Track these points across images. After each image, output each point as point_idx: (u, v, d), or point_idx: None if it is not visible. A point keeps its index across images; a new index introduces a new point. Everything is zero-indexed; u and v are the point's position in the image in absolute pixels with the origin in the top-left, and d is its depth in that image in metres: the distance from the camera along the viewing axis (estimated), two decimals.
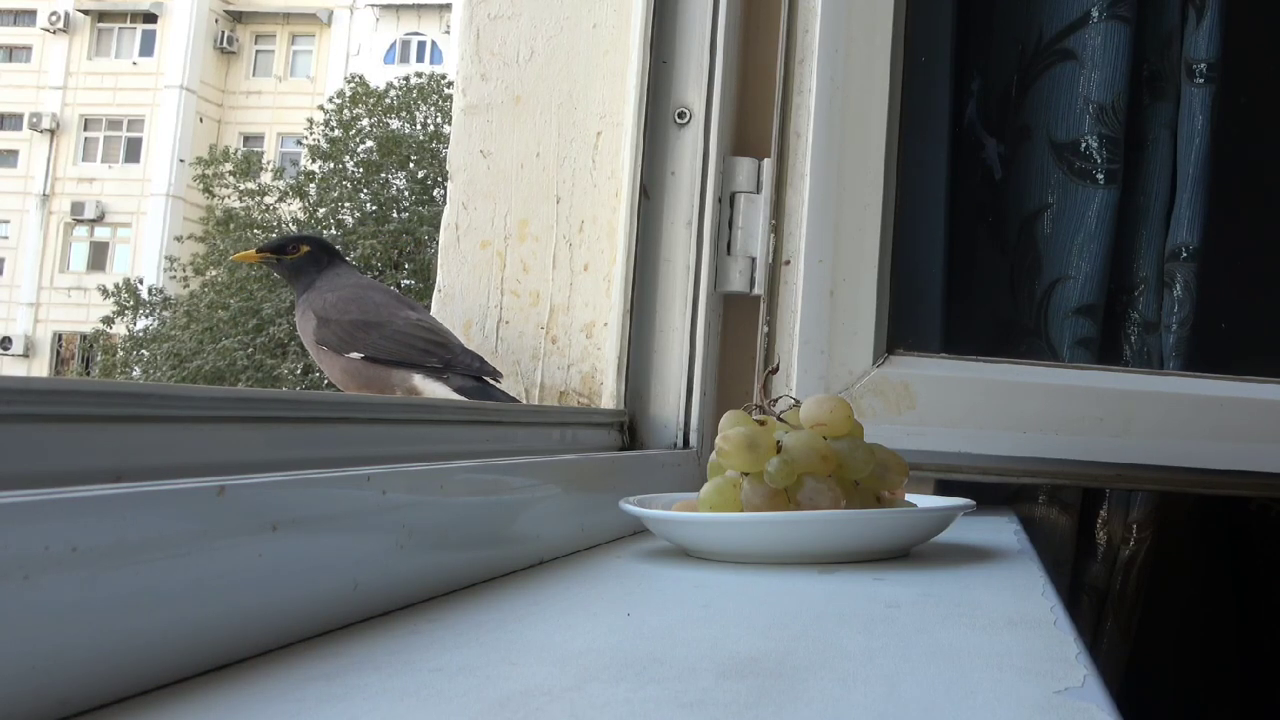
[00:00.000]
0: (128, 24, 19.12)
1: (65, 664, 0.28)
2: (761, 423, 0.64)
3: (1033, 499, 1.03)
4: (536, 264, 0.96)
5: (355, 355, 0.89)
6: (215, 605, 0.34)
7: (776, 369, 0.90)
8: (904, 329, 0.95)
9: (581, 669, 0.36)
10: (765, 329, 0.92)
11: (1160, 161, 1.06)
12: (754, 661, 0.37)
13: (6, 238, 18.60)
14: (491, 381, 0.88)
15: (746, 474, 0.62)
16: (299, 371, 12.30)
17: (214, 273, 13.67)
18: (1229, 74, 1.04)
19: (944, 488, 0.91)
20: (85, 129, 18.87)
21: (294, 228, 13.37)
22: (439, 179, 12.85)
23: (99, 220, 18.37)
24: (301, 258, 0.97)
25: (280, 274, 0.99)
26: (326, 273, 0.96)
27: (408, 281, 12.45)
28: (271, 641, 0.36)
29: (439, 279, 0.98)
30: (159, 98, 18.56)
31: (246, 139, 18.89)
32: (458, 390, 0.86)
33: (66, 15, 18.79)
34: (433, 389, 0.87)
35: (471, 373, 0.87)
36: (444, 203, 1.00)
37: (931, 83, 1.04)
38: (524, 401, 0.94)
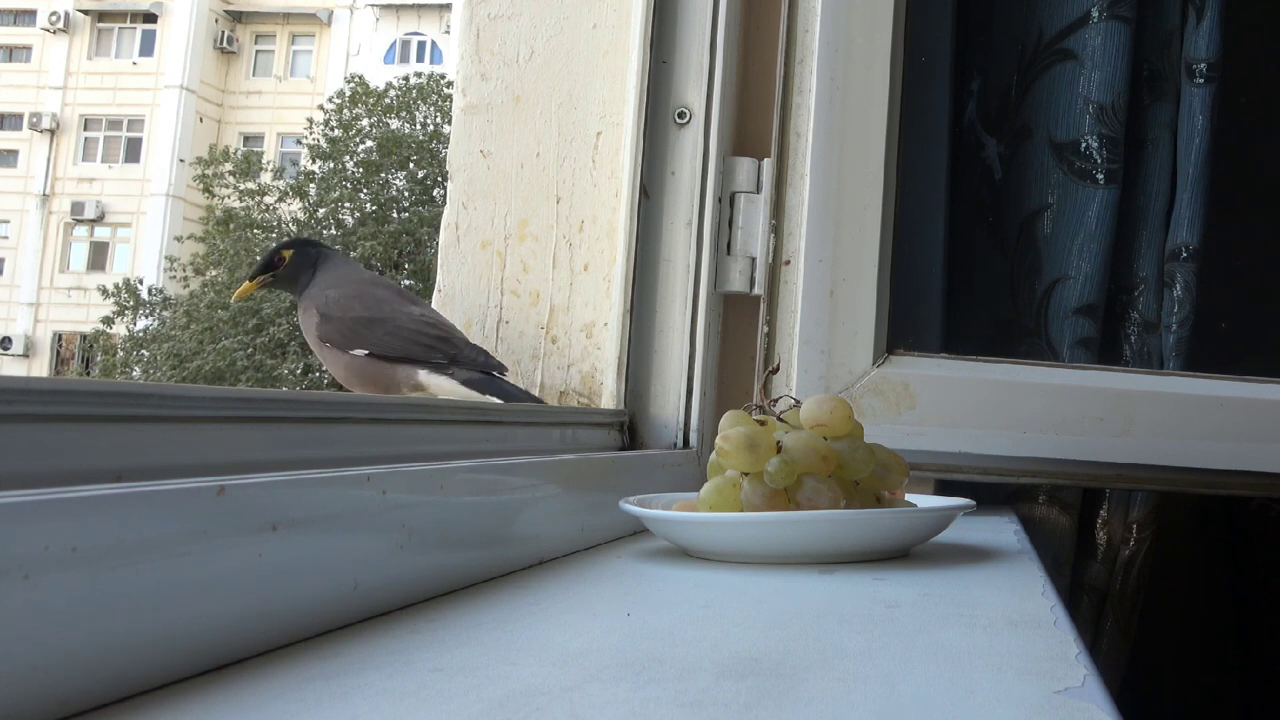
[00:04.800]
0: (128, 24, 19.12)
1: (65, 664, 0.28)
2: (761, 423, 0.64)
3: (1033, 499, 1.03)
4: (536, 264, 0.96)
5: (359, 352, 0.89)
6: (215, 605, 0.34)
7: (777, 369, 0.90)
8: (904, 329, 0.95)
9: (581, 669, 0.36)
10: (765, 329, 0.92)
11: (1160, 161, 1.06)
12: (754, 661, 0.37)
13: (6, 238, 18.60)
14: (498, 375, 0.88)
15: (746, 474, 0.62)
16: (299, 371, 12.30)
17: (214, 273, 13.67)
18: (1229, 74, 1.04)
19: (944, 488, 0.91)
20: (85, 129, 18.86)
21: (293, 228, 13.36)
22: (439, 179, 12.85)
23: (99, 220, 18.37)
24: (289, 265, 0.97)
25: (280, 288, 0.99)
26: (322, 269, 0.96)
27: (408, 282, 12.43)
28: (271, 641, 0.36)
29: (439, 279, 0.98)
30: (159, 98, 18.56)
31: (246, 139, 18.89)
32: (464, 383, 0.86)
33: (66, 15, 18.78)
34: (438, 384, 0.87)
35: (477, 367, 0.87)
36: (444, 203, 1.00)
37: (931, 83, 1.04)
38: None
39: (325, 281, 0.94)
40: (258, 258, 0.98)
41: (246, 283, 0.99)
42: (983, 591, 0.53)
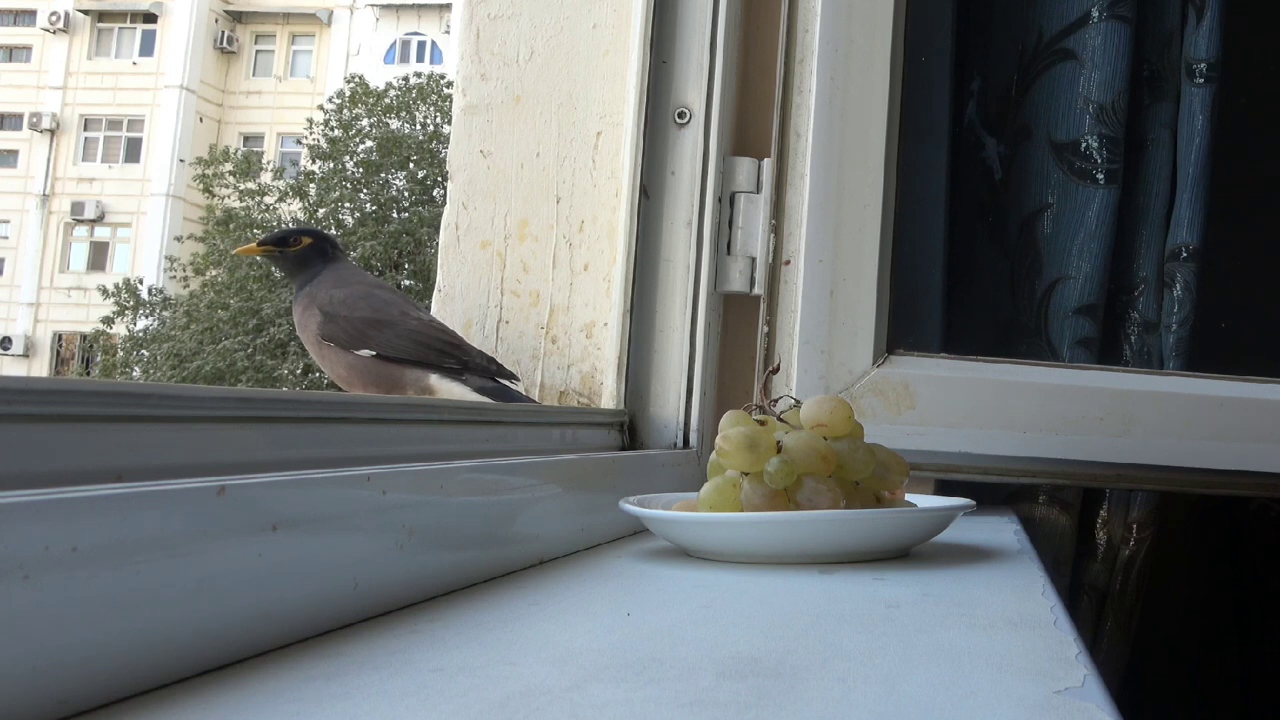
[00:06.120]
0: (128, 24, 19.12)
1: (65, 664, 0.28)
2: (762, 423, 0.64)
3: (1033, 499, 1.03)
4: (536, 264, 0.96)
5: (365, 353, 0.89)
6: (215, 605, 0.34)
7: (777, 369, 0.90)
8: (904, 329, 0.95)
9: (581, 669, 0.36)
10: (765, 329, 0.92)
11: (1160, 161, 1.06)
12: (754, 661, 0.37)
13: (6, 238, 18.59)
14: (508, 383, 0.88)
15: (746, 474, 0.62)
16: (299, 371, 12.30)
17: (214, 273, 13.66)
18: (1229, 74, 1.04)
19: (944, 488, 0.91)
20: (85, 129, 18.86)
21: (294, 226, 13.36)
22: (439, 179, 12.84)
23: (99, 220, 18.36)
24: (303, 250, 0.95)
25: (281, 267, 0.97)
26: (330, 268, 0.95)
27: (408, 282, 12.44)
28: (271, 641, 0.36)
29: (439, 279, 0.98)
30: (159, 98, 18.55)
31: (246, 139, 18.89)
32: (478, 390, 0.86)
33: (66, 15, 18.78)
34: (449, 389, 0.87)
35: (489, 375, 0.87)
36: (444, 203, 1.00)
37: (931, 83, 1.04)
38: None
39: (330, 281, 0.94)
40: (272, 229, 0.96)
41: (254, 244, 0.97)
42: (983, 591, 0.53)
